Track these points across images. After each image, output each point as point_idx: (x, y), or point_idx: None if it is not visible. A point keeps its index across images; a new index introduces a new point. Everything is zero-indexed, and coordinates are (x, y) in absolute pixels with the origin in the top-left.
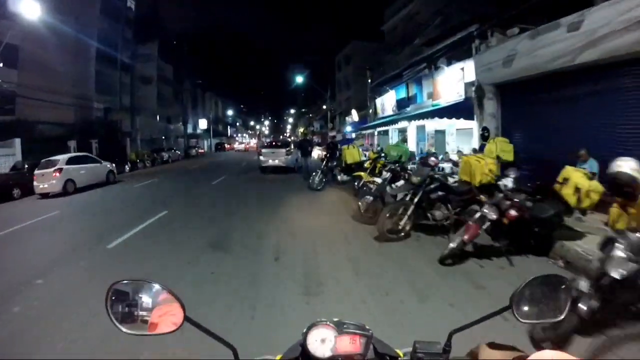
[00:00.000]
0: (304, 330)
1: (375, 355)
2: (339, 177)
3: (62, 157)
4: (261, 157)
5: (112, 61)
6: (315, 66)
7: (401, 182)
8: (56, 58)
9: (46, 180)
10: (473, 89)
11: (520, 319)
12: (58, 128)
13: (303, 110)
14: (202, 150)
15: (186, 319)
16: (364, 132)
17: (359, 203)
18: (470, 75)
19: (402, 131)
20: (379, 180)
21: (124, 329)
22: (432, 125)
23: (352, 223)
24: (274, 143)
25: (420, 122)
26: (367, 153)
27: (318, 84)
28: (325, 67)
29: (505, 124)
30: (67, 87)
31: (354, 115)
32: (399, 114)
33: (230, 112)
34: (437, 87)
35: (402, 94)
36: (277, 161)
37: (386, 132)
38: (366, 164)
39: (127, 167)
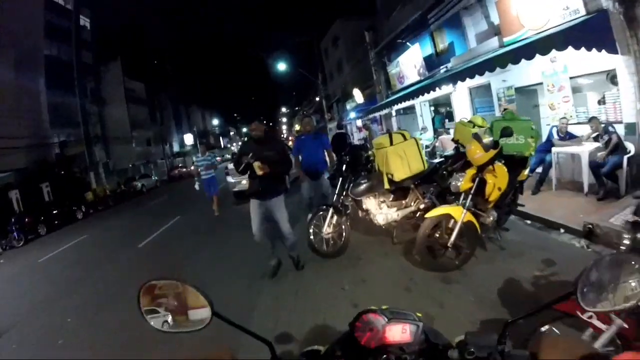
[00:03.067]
0: (352, 319)
1: (427, 344)
2: (380, 218)
3: None
4: (229, 178)
5: (68, 89)
6: (302, 59)
7: None
8: None
9: None
10: None
11: (586, 307)
12: (3, 177)
13: (297, 108)
14: (187, 169)
15: (215, 314)
16: (373, 115)
17: None
18: None
19: (438, 105)
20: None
21: (155, 326)
22: (500, 80)
23: None
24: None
25: (475, 81)
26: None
27: (307, 76)
28: (312, 58)
29: None
30: (13, 128)
31: (357, 97)
32: (436, 76)
33: (217, 123)
34: (507, 14)
35: (428, 49)
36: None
37: (409, 110)
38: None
39: (79, 214)
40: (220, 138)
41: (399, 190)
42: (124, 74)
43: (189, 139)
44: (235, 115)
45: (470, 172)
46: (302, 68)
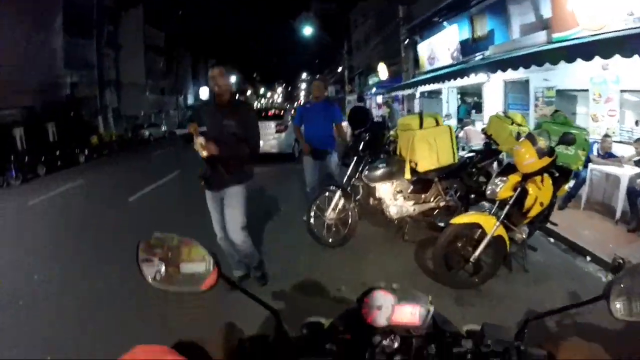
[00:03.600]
0: (360, 295)
1: (435, 330)
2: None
3: None
4: None
5: (86, 31)
6: (329, 26)
7: None
8: (9, 34)
9: None
10: None
11: (615, 315)
12: (10, 114)
13: (317, 76)
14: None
15: (221, 276)
16: (395, 93)
17: None
18: None
19: (465, 94)
20: None
21: (153, 283)
22: (541, 78)
23: None
24: (259, 112)
25: (512, 75)
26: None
27: (332, 44)
28: (340, 26)
29: None
30: (26, 65)
31: (382, 72)
32: (470, 62)
33: (235, 80)
34: (561, 9)
35: (465, 32)
36: (261, 143)
37: (434, 94)
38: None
39: (82, 157)
40: (237, 95)
41: (420, 182)
42: (144, 21)
43: (204, 92)
44: (254, 75)
45: (514, 178)
46: (328, 35)
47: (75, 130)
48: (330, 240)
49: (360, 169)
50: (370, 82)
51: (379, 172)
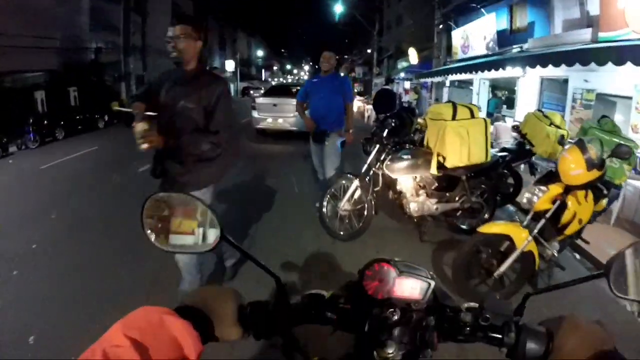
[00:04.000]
0: (362, 267)
1: (435, 304)
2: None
3: None
4: (255, 113)
5: None
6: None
7: None
8: None
9: None
10: None
11: (616, 292)
12: (33, 77)
13: (345, 56)
14: None
15: (223, 237)
16: (424, 80)
17: None
18: None
19: (496, 87)
20: None
21: (157, 244)
22: (581, 79)
23: None
24: (282, 87)
25: (550, 72)
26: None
27: (362, 23)
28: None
29: None
30: (50, 27)
31: (412, 57)
32: (506, 54)
33: (262, 54)
34: (610, 6)
35: (503, 22)
36: (281, 121)
37: (464, 84)
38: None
39: (101, 123)
40: (263, 70)
41: (446, 179)
42: None
43: (230, 65)
44: (282, 50)
45: (555, 189)
46: (359, 14)
47: (97, 96)
48: (342, 232)
49: (382, 158)
50: (399, 66)
51: (402, 164)
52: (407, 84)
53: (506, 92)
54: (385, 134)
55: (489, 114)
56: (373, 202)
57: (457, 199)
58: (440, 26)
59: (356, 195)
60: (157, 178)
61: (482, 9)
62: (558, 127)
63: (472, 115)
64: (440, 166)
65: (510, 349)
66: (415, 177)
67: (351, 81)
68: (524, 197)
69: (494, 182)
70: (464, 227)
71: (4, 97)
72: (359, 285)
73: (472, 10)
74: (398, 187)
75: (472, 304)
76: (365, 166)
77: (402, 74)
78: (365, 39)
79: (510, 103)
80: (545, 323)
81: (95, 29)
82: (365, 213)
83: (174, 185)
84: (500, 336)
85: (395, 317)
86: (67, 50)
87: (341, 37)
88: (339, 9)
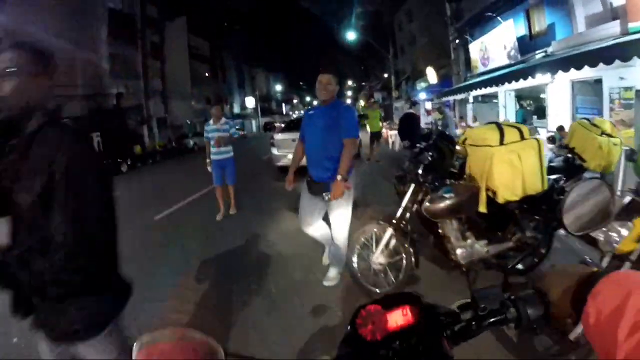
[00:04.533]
0: (351, 316)
1: (431, 319)
2: None
3: None
4: (274, 150)
5: (130, 42)
6: (372, 30)
7: None
8: (56, 45)
9: None
10: None
11: (572, 232)
12: None
13: (363, 83)
14: (243, 132)
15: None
16: (445, 99)
17: None
18: None
19: (520, 97)
20: None
21: None
22: (616, 77)
23: None
24: (298, 123)
25: (581, 74)
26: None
27: (376, 48)
28: (383, 30)
29: None
30: (71, 74)
31: (430, 76)
32: (531, 61)
33: (280, 88)
34: None
35: (521, 28)
36: None
37: (488, 98)
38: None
39: (124, 167)
40: (283, 104)
41: (496, 216)
42: (188, 31)
43: (250, 102)
44: (300, 83)
45: None
46: (372, 39)
47: (120, 140)
48: (378, 290)
49: (419, 198)
50: (418, 87)
51: (444, 204)
52: (429, 104)
53: (531, 102)
54: (421, 170)
55: None
56: (412, 252)
57: (510, 237)
58: (457, 41)
59: (391, 245)
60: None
61: (499, 17)
62: (610, 135)
63: (522, 137)
64: (490, 202)
65: (516, 322)
66: (461, 217)
67: (355, 110)
68: (599, 236)
69: (549, 211)
70: (519, 267)
71: None
72: (356, 335)
73: (487, 20)
74: (440, 231)
75: (463, 301)
76: (400, 210)
77: (423, 95)
78: (381, 64)
79: (540, 112)
80: (531, 283)
81: (115, 74)
82: (404, 265)
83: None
84: (502, 316)
85: (400, 347)
86: (89, 96)
87: (357, 64)
88: (351, 36)
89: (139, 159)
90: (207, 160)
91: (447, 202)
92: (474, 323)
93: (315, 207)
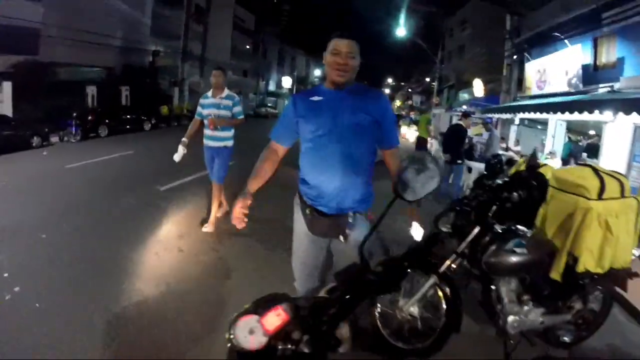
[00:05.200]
0: (227, 335)
1: (307, 310)
2: None
3: None
4: None
5: (176, 3)
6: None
7: None
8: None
9: None
10: None
11: (409, 199)
12: (88, 72)
13: (402, 83)
14: (275, 111)
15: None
16: (488, 115)
17: None
18: None
19: (569, 129)
20: None
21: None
22: None
23: None
24: None
25: None
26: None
27: (424, 50)
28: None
29: None
30: (113, 25)
31: (477, 88)
32: (595, 94)
33: (319, 73)
34: None
35: (587, 57)
36: None
37: (533, 123)
38: None
39: (147, 125)
40: None
41: (565, 283)
42: (236, 1)
43: (287, 81)
44: None
45: None
46: (421, 40)
47: (149, 98)
48: (404, 347)
49: (481, 245)
50: (461, 97)
51: (512, 261)
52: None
53: (581, 137)
54: (494, 210)
55: (564, 161)
56: (456, 313)
57: (569, 308)
58: (514, 57)
59: (430, 295)
60: None
61: (566, 40)
62: None
63: (623, 193)
64: (568, 270)
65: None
66: (525, 278)
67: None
68: None
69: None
70: (565, 339)
71: (57, 88)
72: (241, 351)
73: (550, 41)
74: (494, 288)
75: (330, 286)
76: (451, 258)
77: (465, 107)
78: (424, 67)
79: (593, 151)
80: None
81: (156, 33)
82: (441, 324)
83: None
84: None
85: (288, 346)
86: (125, 49)
87: (399, 62)
88: (401, 32)
89: (164, 120)
90: (182, 142)
91: (516, 258)
92: (340, 305)
93: (321, 253)
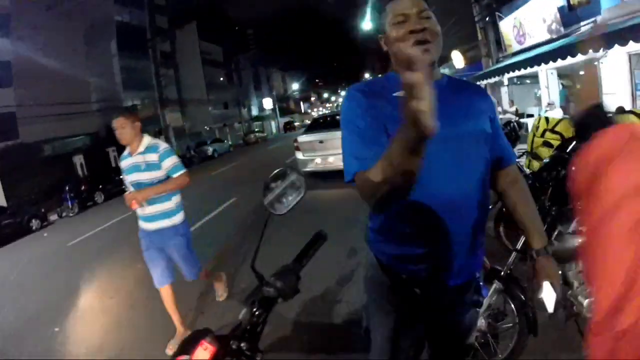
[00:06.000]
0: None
1: (232, 338)
2: None
3: None
4: (299, 155)
5: (141, 53)
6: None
7: None
8: (64, 63)
9: None
10: None
11: (280, 213)
12: (71, 142)
13: (380, 76)
14: (264, 134)
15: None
16: (477, 83)
17: None
18: None
19: (563, 75)
20: None
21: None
22: None
23: None
24: (325, 119)
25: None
26: None
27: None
28: None
29: None
30: (85, 91)
31: (456, 61)
32: (573, 34)
33: (296, 87)
34: None
35: None
36: (332, 159)
37: (526, 79)
38: None
39: None
40: (301, 103)
41: None
42: (199, 37)
43: (268, 102)
44: (316, 80)
45: None
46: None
47: None
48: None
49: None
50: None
51: (577, 245)
52: None
53: (564, 80)
54: (548, 194)
55: (564, 108)
56: (528, 315)
57: None
58: (487, 18)
59: (495, 303)
60: None
61: None
62: None
63: None
64: None
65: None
66: None
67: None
68: None
69: None
70: None
71: (44, 165)
72: None
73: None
74: (562, 276)
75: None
76: (513, 256)
77: None
78: None
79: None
80: None
81: (128, 87)
82: (515, 331)
83: None
84: None
85: None
86: (103, 110)
87: (374, 55)
88: (367, 25)
89: None
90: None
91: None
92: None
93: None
